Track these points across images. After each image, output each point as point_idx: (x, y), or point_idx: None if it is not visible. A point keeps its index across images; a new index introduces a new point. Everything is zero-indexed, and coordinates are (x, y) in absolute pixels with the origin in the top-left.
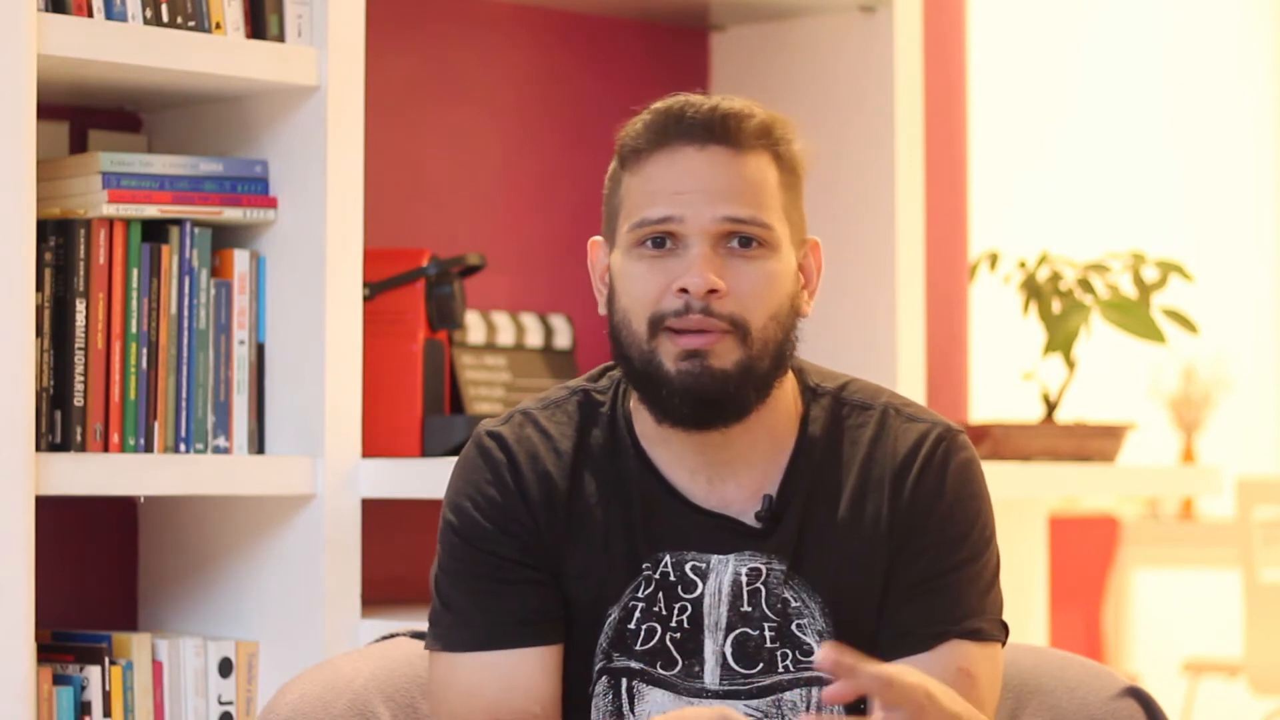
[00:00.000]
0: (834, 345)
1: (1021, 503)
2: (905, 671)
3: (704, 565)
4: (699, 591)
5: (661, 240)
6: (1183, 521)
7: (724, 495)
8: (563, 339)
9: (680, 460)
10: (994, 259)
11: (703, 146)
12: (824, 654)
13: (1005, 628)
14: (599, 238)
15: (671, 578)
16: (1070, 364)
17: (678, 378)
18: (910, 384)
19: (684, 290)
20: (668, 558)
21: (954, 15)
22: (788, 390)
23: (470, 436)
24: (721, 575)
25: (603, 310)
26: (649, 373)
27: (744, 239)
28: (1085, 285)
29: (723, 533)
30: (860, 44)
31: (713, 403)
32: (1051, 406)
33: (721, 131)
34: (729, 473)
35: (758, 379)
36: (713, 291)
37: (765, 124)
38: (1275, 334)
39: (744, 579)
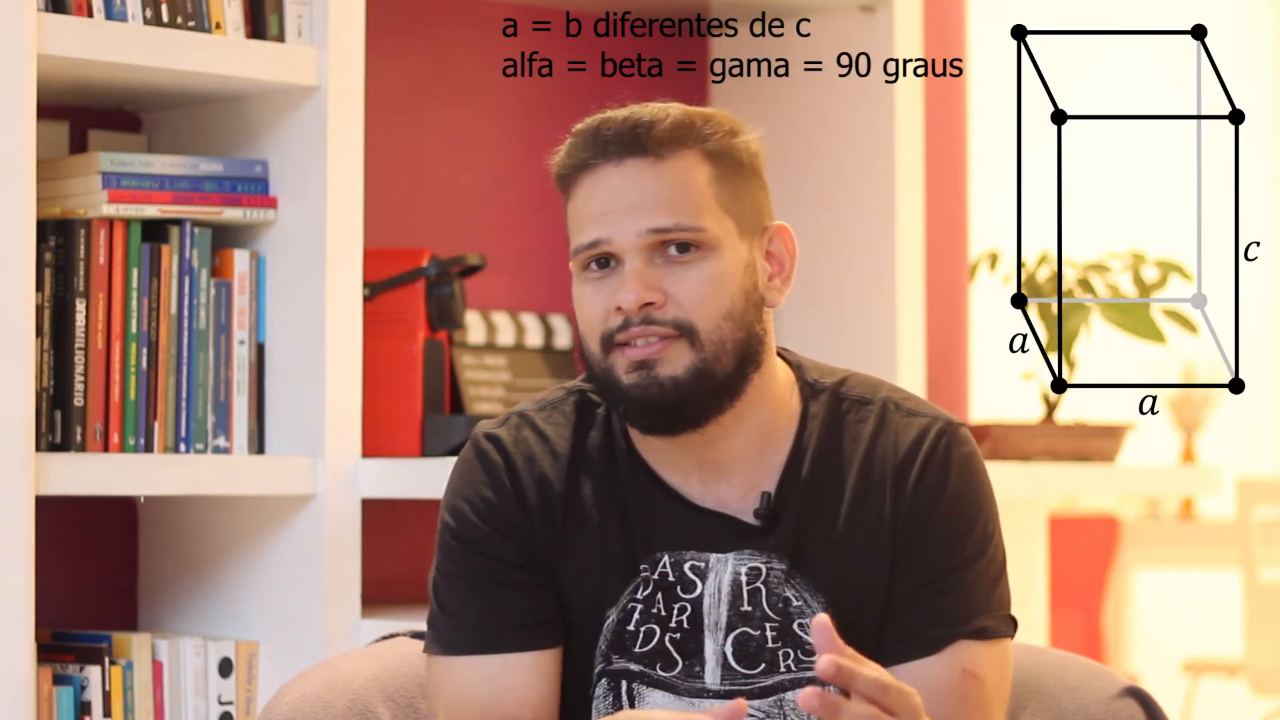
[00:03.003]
0: (835, 345)
1: (1021, 503)
2: (897, 682)
3: (703, 564)
4: (698, 591)
5: (605, 260)
6: (1183, 521)
7: (720, 494)
8: (563, 339)
9: (672, 461)
10: (994, 259)
11: (620, 162)
12: (823, 664)
13: (1013, 622)
14: None
15: (670, 578)
16: (1070, 364)
17: (630, 389)
18: (910, 384)
19: (620, 309)
20: (666, 558)
21: (954, 15)
22: (781, 386)
23: (469, 437)
24: (721, 574)
25: None
26: (609, 389)
27: (680, 245)
28: (1085, 285)
29: (721, 531)
30: (860, 44)
31: (666, 410)
32: (1051, 406)
33: (634, 142)
34: (721, 472)
35: (718, 381)
36: (649, 304)
37: (680, 123)
38: (1275, 334)
39: (744, 578)
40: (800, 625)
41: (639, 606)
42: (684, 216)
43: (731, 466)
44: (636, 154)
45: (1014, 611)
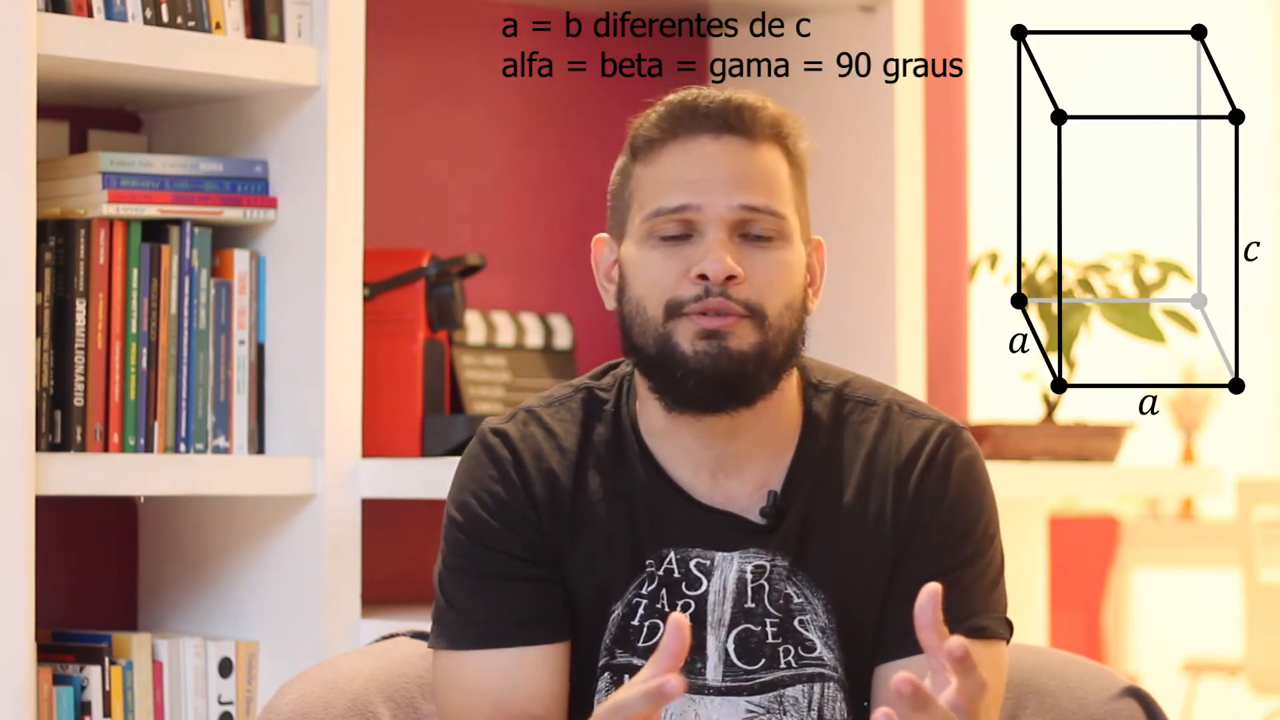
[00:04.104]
0: (834, 345)
1: (1021, 503)
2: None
3: (708, 562)
4: (704, 588)
5: (676, 230)
6: (1183, 521)
7: (728, 491)
8: (563, 339)
9: (686, 455)
10: (994, 259)
11: (718, 136)
12: (903, 681)
13: (1010, 625)
14: (604, 235)
15: (676, 574)
16: (1070, 364)
17: (694, 358)
18: (910, 384)
19: (702, 276)
20: (672, 554)
21: (954, 15)
22: (792, 386)
23: (474, 434)
24: (726, 573)
25: (611, 305)
26: (664, 356)
27: (757, 229)
28: (1085, 285)
29: (727, 530)
30: (860, 44)
31: (729, 383)
32: (1051, 406)
33: (737, 122)
34: (734, 468)
35: (772, 364)
36: (731, 278)
37: (777, 117)
38: (1275, 334)
39: (749, 576)
40: (800, 622)
41: (644, 602)
42: (773, 200)
43: (744, 462)
44: (735, 133)
45: (1013, 611)
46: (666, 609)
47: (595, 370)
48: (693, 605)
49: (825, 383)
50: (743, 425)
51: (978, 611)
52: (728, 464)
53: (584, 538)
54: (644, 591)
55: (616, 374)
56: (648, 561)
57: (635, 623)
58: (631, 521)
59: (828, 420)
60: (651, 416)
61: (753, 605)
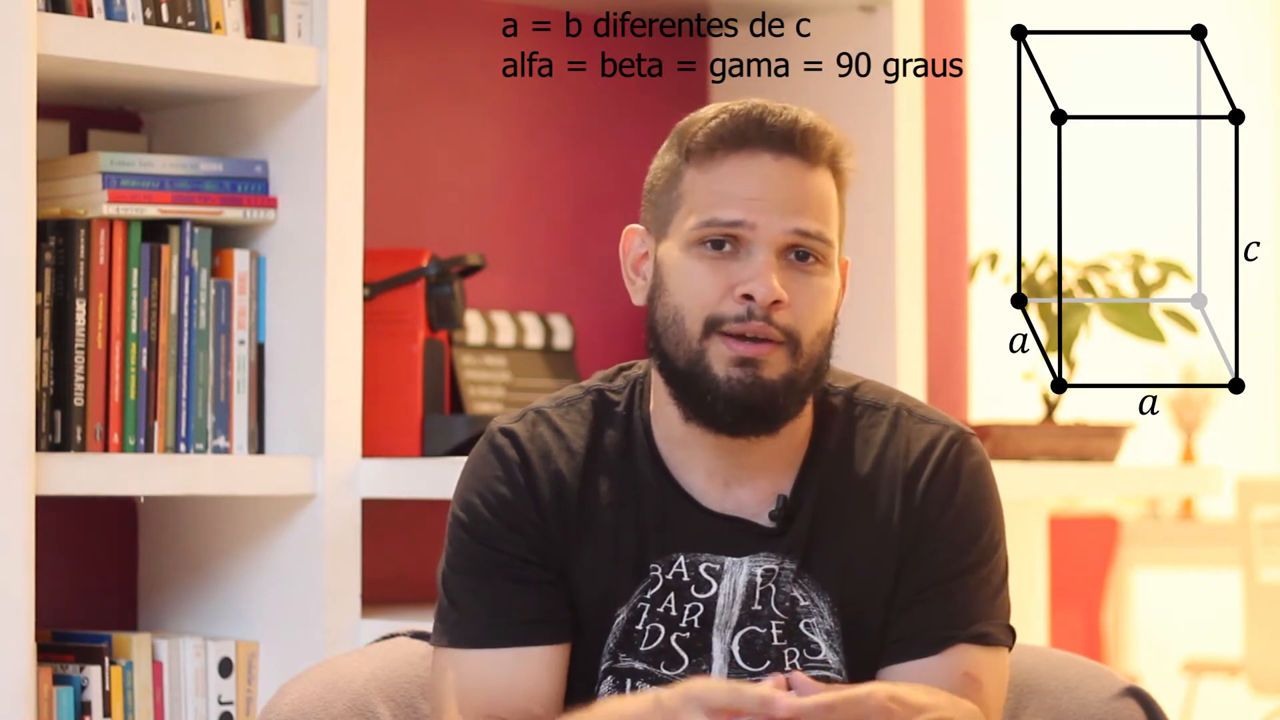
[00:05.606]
0: (835, 345)
1: (1021, 503)
2: (850, 689)
3: (719, 566)
4: (713, 591)
5: (721, 242)
6: (1183, 521)
7: (739, 498)
8: (563, 339)
9: (698, 462)
10: (994, 259)
11: (779, 156)
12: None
13: (1012, 632)
14: (637, 226)
15: (685, 578)
16: (1070, 364)
17: (726, 384)
18: (910, 384)
19: (748, 297)
20: (681, 558)
21: (954, 15)
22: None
23: (481, 434)
24: (737, 576)
25: (639, 301)
26: (695, 374)
27: (801, 253)
28: (1085, 285)
29: (737, 535)
30: (860, 44)
31: (758, 411)
32: (1051, 406)
33: (801, 144)
34: (746, 477)
35: (800, 392)
36: (776, 302)
37: (836, 142)
38: (1275, 334)
39: (758, 579)
40: (806, 625)
41: (648, 606)
42: (824, 227)
43: (756, 472)
44: (794, 154)
45: (1014, 612)
46: (673, 613)
47: (606, 372)
48: (701, 608)
49: (835, 386)
50: (761, 440)
51: (982, 617)
52: (740, 473)
53: (590, 541)
54: (648, 595)
55: (628, 376)
56: (652, 566)
57: (639, 627)
58: (638, 526)
59: (837, 424)
60: (667, 423)
61: (759, 608)
